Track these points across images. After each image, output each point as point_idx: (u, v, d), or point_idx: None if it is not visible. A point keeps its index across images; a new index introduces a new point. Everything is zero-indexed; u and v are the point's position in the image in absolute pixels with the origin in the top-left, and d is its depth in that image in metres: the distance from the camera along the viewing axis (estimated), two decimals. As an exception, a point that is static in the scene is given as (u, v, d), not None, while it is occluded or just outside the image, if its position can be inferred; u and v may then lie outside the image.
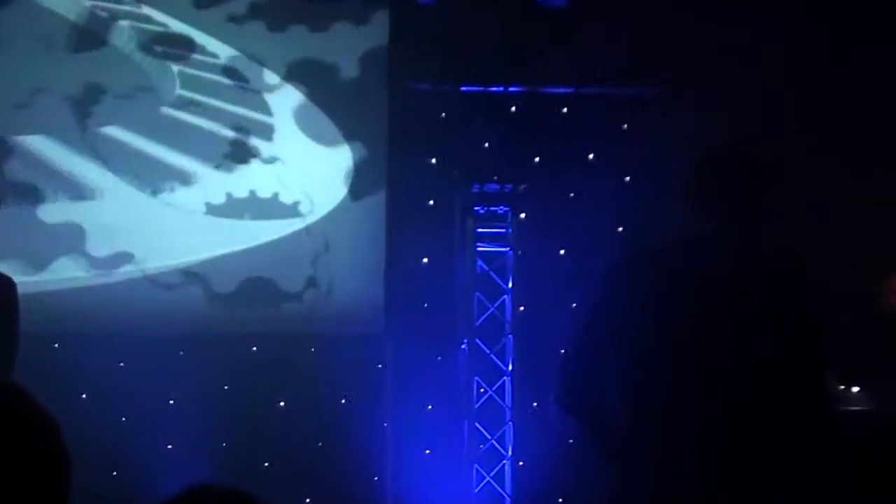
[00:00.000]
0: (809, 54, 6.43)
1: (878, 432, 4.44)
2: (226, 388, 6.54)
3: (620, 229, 6.89)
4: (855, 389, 5.54)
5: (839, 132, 6.56)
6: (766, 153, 3.39)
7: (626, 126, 6.93)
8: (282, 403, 6.64)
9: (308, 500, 6.66)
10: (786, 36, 6.31)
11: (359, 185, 6.84)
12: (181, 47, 6.74)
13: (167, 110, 6.69)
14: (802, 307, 3.26)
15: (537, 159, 6.93)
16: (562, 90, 6.99)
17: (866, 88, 6.66)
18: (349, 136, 6.83)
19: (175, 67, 6.73)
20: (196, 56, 6.76)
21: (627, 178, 6.93)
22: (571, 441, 6.38)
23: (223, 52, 6.79)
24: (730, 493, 3.18)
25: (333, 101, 6.84)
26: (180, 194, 6.72)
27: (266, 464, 6.20)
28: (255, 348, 6.68)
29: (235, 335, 6.61)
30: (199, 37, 6.77)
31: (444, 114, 6.89)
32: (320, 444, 6.62)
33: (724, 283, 3.26)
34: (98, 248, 6.61)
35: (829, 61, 6.53)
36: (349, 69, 6.85)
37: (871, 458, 3.45)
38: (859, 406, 5.45)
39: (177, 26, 6.78)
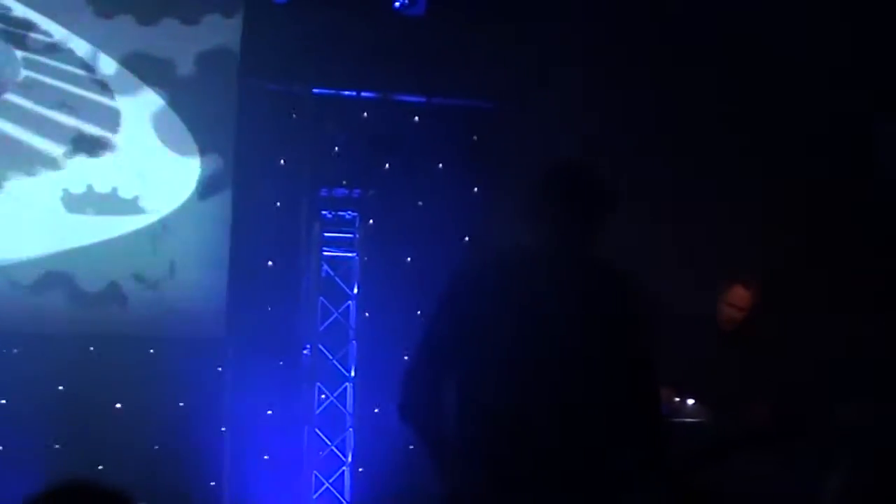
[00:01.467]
0: (654, 71, 6.73)
1: (712, 443, 4.73)
2: (60, 388, 6.45)
3: (466, 239, 7.08)
4: (690, 402, 5.79)
5: (681, 148, 6.86)
6: (607, 169, 3.55)
7: (475, 137, 7.11)
8: (118, 405, 6.56)
9: (142, 505, 6.65)
10: (633, 51, 6.59)
11: (205, 183, 6.76)
12: (24, 29, 6.57)
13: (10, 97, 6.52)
14: (634, 317, 3.39)
15: (387, 166, 7.04)
16: (414, 98, 7.11)
17: (709, 106, 6.94)
18: (197, 133, 6.74)
19: (18, 53, 6.56)
20: (37, 37, 6.57)
21: (475, 189, 7.12)
22: (412, 448, 6.40)
23: (75, 44, 6.63)
24: (564, 499, 3.29)
25: (183, 98, 6.73)
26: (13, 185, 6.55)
27: (100, 467, 6.04)
28: (92, 348, 6.57)
29: (72, 334, 6.49)
30: (44, 22, 6.61)
31: (294, 115, 6.89)
32: (156, 447, 6.54)
33: (561, 295, 3.35)
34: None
35: (674, 82, 6.81)
36: (200, 64, 6.74)
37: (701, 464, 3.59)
38: (694, 418, 5.71)
39: (20, 9, 6.60)
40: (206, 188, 6.76)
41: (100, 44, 6.67)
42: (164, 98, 6.75)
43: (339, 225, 7.16)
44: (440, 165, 7.09)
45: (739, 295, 5.95)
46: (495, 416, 3.30)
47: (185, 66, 6.74)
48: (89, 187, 6.65)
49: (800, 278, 6.65)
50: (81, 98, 6.64)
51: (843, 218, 6.84)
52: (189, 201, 6.77)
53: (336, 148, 7.00)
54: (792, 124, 6.80)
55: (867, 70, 6.54)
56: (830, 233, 6.83)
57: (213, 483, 6.71)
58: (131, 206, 6.67)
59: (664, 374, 3.63)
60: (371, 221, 7.17)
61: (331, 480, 7.08)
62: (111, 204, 6.64)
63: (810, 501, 3.39)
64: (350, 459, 7.10)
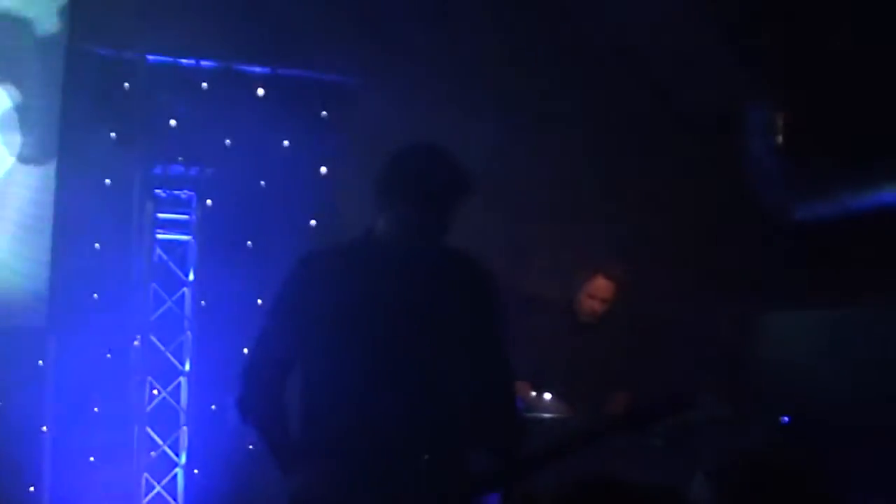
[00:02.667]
0: (523, 50, 6.74)
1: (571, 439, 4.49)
2: None
3: (313, 223, 6.91)
4: (547, 396, 5.87)
5: (546, 132, 6.90)
6: (465, 152, 3.49)
7: (325, 113, 6.93)
8: (-78, 403, 6.25)
9: (-49, 512, 6.33)
10: (499, 27, 6.59)
11: (25, 158, 6.48)
12: None
13: None
14: (488, 309, 3.45)
15: (228, 142, 6.81)
16: (259, 69, 6.90)
17: (572, 90, 7.00)
18: (18, 102, 6.48)
19: None
20: None
21: (324, 169, 6.94)
22: (251, 447, 6.42)
23: None
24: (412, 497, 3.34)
25: (5, 56, 6.43)
26: None
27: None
28: None
29: None
30: None
31: (127, 84, 6.67)
32: (-33, 449, 6.28)
33: (411, 285, 3.39)
34: None
35: (542, 61, 6.86)
36: (24, 23, 6.49)
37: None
38: (552, 413, 5.78)
39: None
40: (27, 163, 6.50)
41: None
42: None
43: (173, 205, 7.02)
44: (286, 142, 6.92)
45: (601, 286, 6.04)
46: (341, 413, 3.31)
47: (6, 28, 6.48)
48: None
49: (662, 271, 6.79)
50: None
51: (708, 213, 6.94)
52: (7, 176, 6.49)
53: (172, 121, 6.76)
54: (659, 114, 6.89)
55: (734, 57, 6.67)
56: (694, 227, 6.93)
57: (31, 488, 6.51)
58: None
59: (520, 367, 3.72)
60: (209, 202, 6.98)
61: (163, 483, 6.94)
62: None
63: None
64: (184, 460, 6.97)
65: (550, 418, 5.73)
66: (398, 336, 3.34)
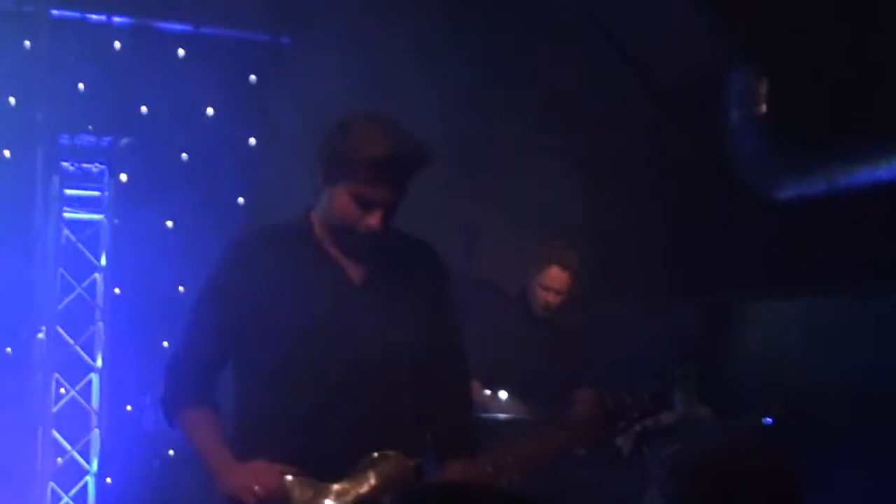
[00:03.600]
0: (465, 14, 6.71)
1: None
2: None
3: (241, 201, 6.81)
4: (503, 395, 5.75)
5: (497, 104, 6.89)
6: (412, 123, 3.41)
7: (253, 77, 6.82)
8: None
9: None
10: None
11: None
12: None
13: None
14: (440, 300, 3.44)
15: (144, 109, 6.65)
16: (179, 27, 6.76)
17: (528, 55, 6.96)
18: None
19: None
20: None
21: (252, 141, 6.82)
22: (172, 453, 6.40)
23: None
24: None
25: None
26: None
27: None
28: None
29: None
30: None
31: (28, 42, 6.46)
32: None
33: (355, 272, 3.35)
34: None
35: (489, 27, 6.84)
36: None
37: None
38: (508, 413, 5.64)
39: None
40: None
41: None
42: None
43: (83, 180, 6.87)
44: (210, 110, 6.70)
45: (556, 276, 5.91)
46: (283, 414, 3.30)
47: None
48: None
49: (628, 258, 6.84)
50: None
51: (679, 193, 6.98)
52: None
53: (80, 85, 6.53)
54: (628, 85, 6.92)
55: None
56: (654, 215, 6.97)
57: (-80, 500, 6.25)
58: None
59: (472, 364, 3.66)
60: (124, 177, 6.78)
61: (71, 493, 6.77)
62: None
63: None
64: (95, 468, 6.82)
65: (506, 419, 5.59)
66: (343, 329, 3.30)
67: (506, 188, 6.98)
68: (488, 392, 5.71)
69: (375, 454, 3.27)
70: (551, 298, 5.88)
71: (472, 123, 6.76)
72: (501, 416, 5.61)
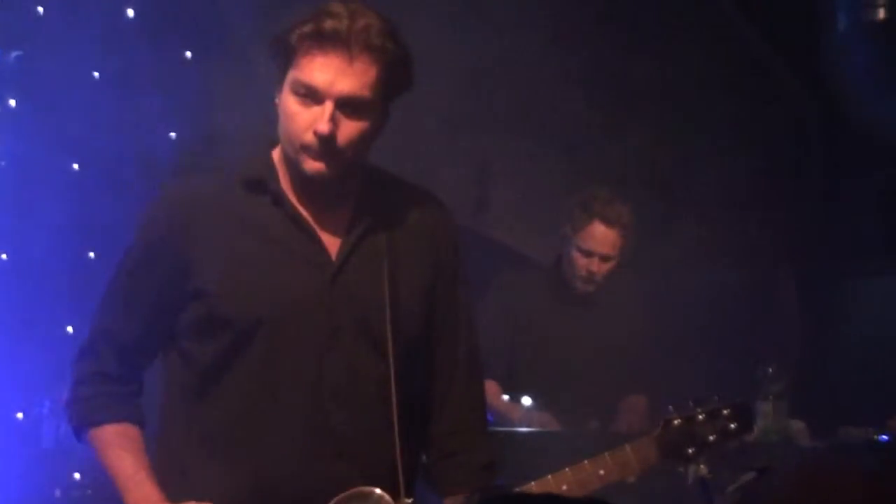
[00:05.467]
0: None
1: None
2: None
3: (173, 135, 6.21)
4: (526, 402, 5.65)
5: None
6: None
7: None
8: None
9: None
10: None
11: None
12: None
13: None
14: (452, 271, 3.28)
15: (41, 10, 6.02)
16: None
17: None
18: None
19: None
20: None
21: (188, 54, 6.23)
22: (79, 477, 5.87)
23: None
24: None
25: None
26: None
27: None
28: None
29: None
30: None
31: None
32: None
33: (331, 229, 3.17)
34: None
35: None
36: None
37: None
38: (531, 427, 5.55)
39: None
40: None
41: None
42: None
43: None
44: (130, 12, 6.14)
45: (600, 236, 5.73)
46: (222, 427, 3.10)
47: None
48: None
49: (694, 217, 6.52)
50: None
51: (751, 143, 6.63)
52: None
53: None
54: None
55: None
56: (733, 160, 6.59)
57: None
58: None
59: (486, 360, 3.58)
60: (12, 102, 6.10)
61: None
62: None
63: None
64: None
65: (529, 434, 5.46)
66: (316, 315, 3.08)
67: (530, 122, 6.60)
68: (507, 398, 5.69)
69: (349, 491, 3.07)
70: (594, 266, 5.66)
71: (485, 38, 6.42)
72: (523, 429, 5.54)
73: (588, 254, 5.61)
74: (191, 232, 3.13)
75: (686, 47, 6.64)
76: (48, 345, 5.68)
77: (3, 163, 6.26)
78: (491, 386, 5.37)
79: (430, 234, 3.27)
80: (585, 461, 3.78)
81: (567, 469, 3.66)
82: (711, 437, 3.81)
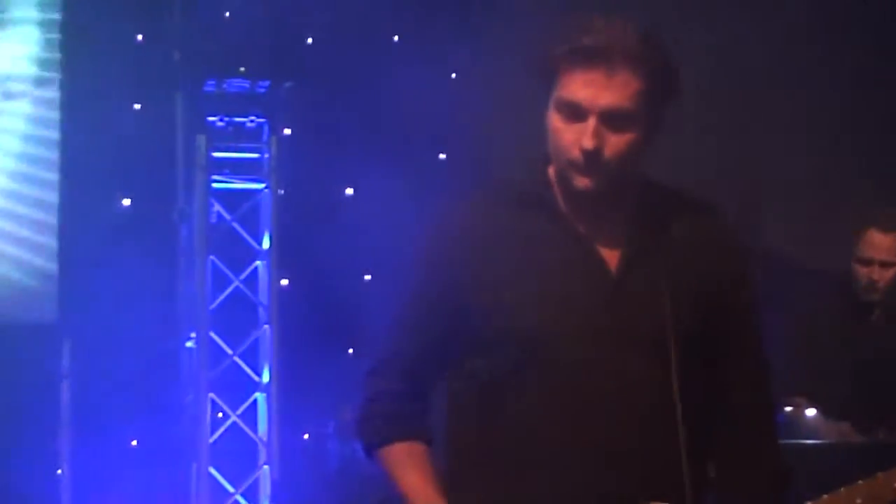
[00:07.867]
0: None
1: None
2: None
3: (442, 156, 6.55)
4: (810, 413, 5.55)
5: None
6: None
7: None
8: None
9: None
10: None
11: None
12: None
13: None
14: (739, 281, 3.18)
15: (310, 41, 6.48)
16: None
17: None
18: None
19: None
20: None
21: (454, 76, 6.44)
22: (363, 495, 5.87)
23: None
24: None
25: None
26: None
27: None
28: None
29: None
30: None
31: None
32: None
33: (608, 242, 3.13)
34: None
35: None
36: None
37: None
38: (819, 439, 5.44)
39: None
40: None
41: None
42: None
43: (236, 139, 6.65)
44: (396, 38, 6.43)
45: (877, 243, 5.67)
46: (524, 441, 3.08)
47: None
48: None
49: None
50: None
51: None
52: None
53: (226, 13, 6.26)
54: None
55: None
56: None
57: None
58: None
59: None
60: (287, 131, 6.55)
61: None
62: None
63: None
64: None
65: (814, 446, 5.34)
66: (596, 331, 3.05)
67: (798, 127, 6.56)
68: (790, 409, 5.47)
69: None
70: (875, 274, 5.54)
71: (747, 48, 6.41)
72: (808, 441, 5.37)
73: (866, 262, 5.55)
74: (469, 250, 3.15)
75: None
76: (331, 367, 5.93)
77: (282, 191, 6.60)
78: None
79: (710, 244, 3.21)
80: (879, 473, 3.87)
81: (861, 482, 3.46)
82: None
